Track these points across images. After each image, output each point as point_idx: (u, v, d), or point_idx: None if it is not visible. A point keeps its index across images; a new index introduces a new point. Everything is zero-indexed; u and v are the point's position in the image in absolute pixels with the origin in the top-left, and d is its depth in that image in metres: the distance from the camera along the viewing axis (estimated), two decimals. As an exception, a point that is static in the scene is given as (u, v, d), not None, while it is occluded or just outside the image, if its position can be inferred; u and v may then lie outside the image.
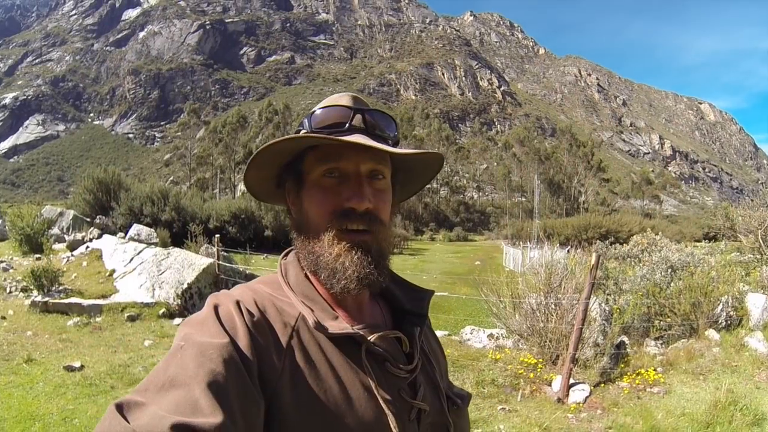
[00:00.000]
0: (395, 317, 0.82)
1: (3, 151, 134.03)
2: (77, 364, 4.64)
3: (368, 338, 0.70)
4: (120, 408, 0.50)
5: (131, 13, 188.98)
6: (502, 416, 3.89)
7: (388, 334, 0.74)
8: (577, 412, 3.90)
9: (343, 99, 0.77)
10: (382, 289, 0.78)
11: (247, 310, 0.65)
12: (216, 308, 0.65)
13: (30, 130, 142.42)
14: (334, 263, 0.70)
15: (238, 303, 0.66)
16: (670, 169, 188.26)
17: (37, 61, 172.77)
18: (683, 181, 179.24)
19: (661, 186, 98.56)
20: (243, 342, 0.61)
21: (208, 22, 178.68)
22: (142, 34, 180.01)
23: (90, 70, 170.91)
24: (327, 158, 0.72)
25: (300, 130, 0.76)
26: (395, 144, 0.78)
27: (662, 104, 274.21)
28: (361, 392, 0.66)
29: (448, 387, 0.84)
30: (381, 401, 0.67)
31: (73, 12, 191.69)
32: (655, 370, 4.50)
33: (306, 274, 0.75)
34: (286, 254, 0.82)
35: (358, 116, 0.74)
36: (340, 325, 0.68)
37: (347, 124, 0.73)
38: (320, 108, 0.76)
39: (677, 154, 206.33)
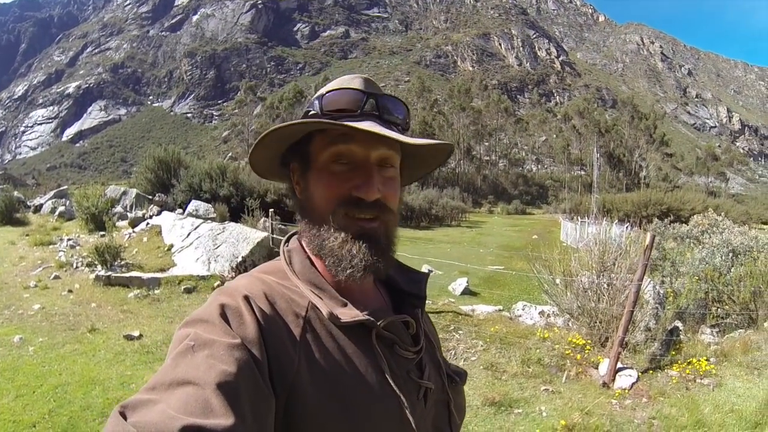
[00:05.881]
0: (393, 299, 0.83)
1: (69, 137, 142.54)
2: (136, 334, 4.97)
3: (378, 323, 0.70)
4: (125, 410, 0.49)
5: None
6: (544, 397, 3.84)
7: (398, 318, 0.74)
8: (621, 399, 3.77)
9: (354, 82, 0.74)
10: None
11: (257, 305, 0.64)
12: (223, 306, 0.63)
13: (93, 115, 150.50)
14: (340, 250, 0.69)
15: (246, 298, 0.64)
16: (738, 144, 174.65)
17: (96, 51, 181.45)
18: (752, 158, 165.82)
19: (727, 162, 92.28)
20: (253, 340, 0.60)
21: (260, 2, 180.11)
22: (195, 18, 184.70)
23: (147, 55, 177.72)
24: (336, 143, 0.70)
25: (309, 111, 0.74)
26: (405, 129, 0.76)
27: (731, 74, 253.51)
28: (374, 377, 0.67)
29: (446, 364, 0.85)
30: (393, 384, 0.68)
31: (128, 2, 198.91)
32: (707, 360, 4.25)
33: (311, 260, 0.74)
34: (288, 240, 0.81)
35: (371, 101, 0.72)
36: (350, 312, 0.68)
37: (359, 110, 0.71)
38: (331, 90, 0.73)
39: (746, 128, 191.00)
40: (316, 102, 0.73)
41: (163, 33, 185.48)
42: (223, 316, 0.61)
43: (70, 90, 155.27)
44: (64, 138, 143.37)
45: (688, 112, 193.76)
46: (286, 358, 0.62)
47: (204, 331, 0.59)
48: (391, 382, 0.68)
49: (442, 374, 0.80)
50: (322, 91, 0.74)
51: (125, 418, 0.48)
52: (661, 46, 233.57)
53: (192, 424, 0.48)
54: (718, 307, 5.40)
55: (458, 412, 0.84)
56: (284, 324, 0.65)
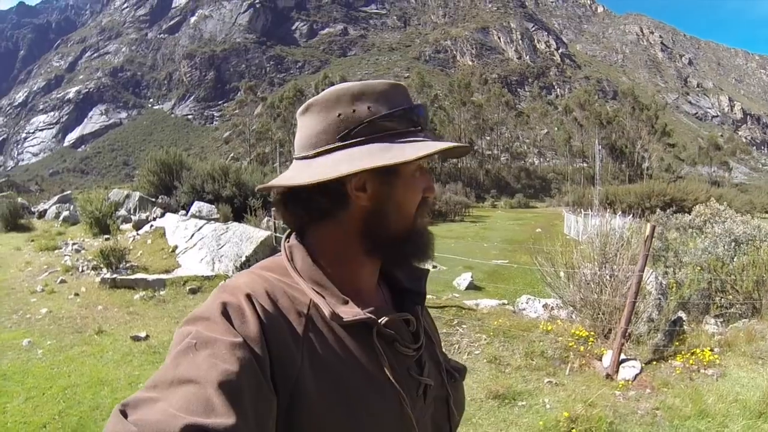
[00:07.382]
0: (394, 296, 0.84)
1: (71, 142, 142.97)
2: (143, 335, 5.03)
3: (379, 321, 0.70)
4: (125, 408, 0.50)
5: (181, 0, 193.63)
6: (548, 390, 3.86)
7: (399, 316, 0.75)
8: (625, 390, 3.79)
9: (403, 92, 0.77)
10: (384, 270, 0.81)
11: (260, 303, 0.64)
12: (225, 304, 0.62)
13: (94, 120, 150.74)
14: (427, 244, 0.77)
15: (249, 296, 0.64)
16: (740, 133, 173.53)
17: (95, 55, 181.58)
18: (755, 147, 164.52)
19: (730, 152, 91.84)
20: (255, 339, 0.59)
21: (257, 1, 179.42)
22: (193, 19, 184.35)
23: (146, 58, 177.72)
24: None
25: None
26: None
27: (731, 63, 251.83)
28: (374, 374, 0.68)
29: (446, 361, 0.87)
30: (393, 381, 0.68)
31: (125, 5, 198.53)
32: (711, 350, 4.24)
33: (312, 257, 0.74)
34: (288, 236, 0.80)
35: (422, 115, 0.76)
36: (352, 310, 0.68)
37: (420, 125, 0.76)
38: (393, 110, 0.72)
39: (748, 117, 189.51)
40: (386, 123, 0.72)
41: (161, 35, 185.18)
42: (225, 314, 0.61)
43: (71, 95, 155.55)
44: (66, 143, 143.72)
45: (690, 102, 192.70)
46: (289, 356, 0.62)
47: (205, 329, 0.59)
48: (391, 379, 0.68)
49: (442, 371, 0.82)
50: (382, 106, 0.72)
51: (126, 416, 0.48)
52: (660, 36, 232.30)
53: (193, 423, 0.48)
54: (721, 297, 5.39)
55: (457, 408, 0.85)
56: (286, 322, 0.65)
